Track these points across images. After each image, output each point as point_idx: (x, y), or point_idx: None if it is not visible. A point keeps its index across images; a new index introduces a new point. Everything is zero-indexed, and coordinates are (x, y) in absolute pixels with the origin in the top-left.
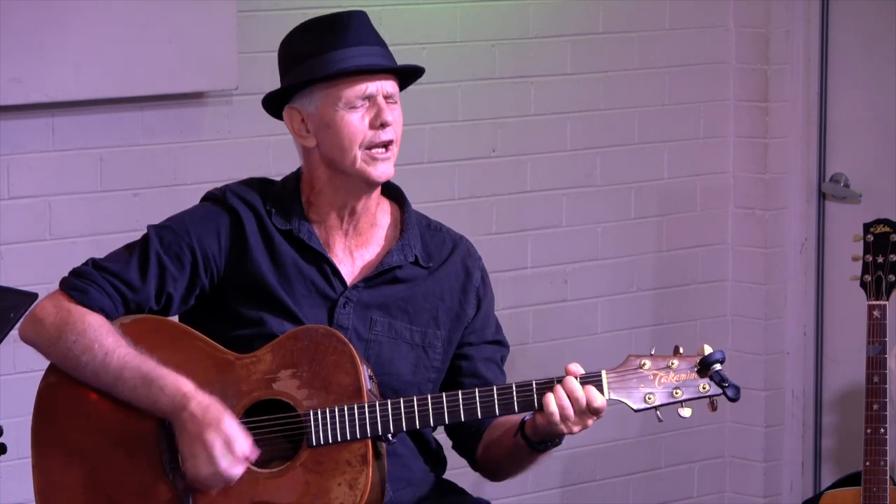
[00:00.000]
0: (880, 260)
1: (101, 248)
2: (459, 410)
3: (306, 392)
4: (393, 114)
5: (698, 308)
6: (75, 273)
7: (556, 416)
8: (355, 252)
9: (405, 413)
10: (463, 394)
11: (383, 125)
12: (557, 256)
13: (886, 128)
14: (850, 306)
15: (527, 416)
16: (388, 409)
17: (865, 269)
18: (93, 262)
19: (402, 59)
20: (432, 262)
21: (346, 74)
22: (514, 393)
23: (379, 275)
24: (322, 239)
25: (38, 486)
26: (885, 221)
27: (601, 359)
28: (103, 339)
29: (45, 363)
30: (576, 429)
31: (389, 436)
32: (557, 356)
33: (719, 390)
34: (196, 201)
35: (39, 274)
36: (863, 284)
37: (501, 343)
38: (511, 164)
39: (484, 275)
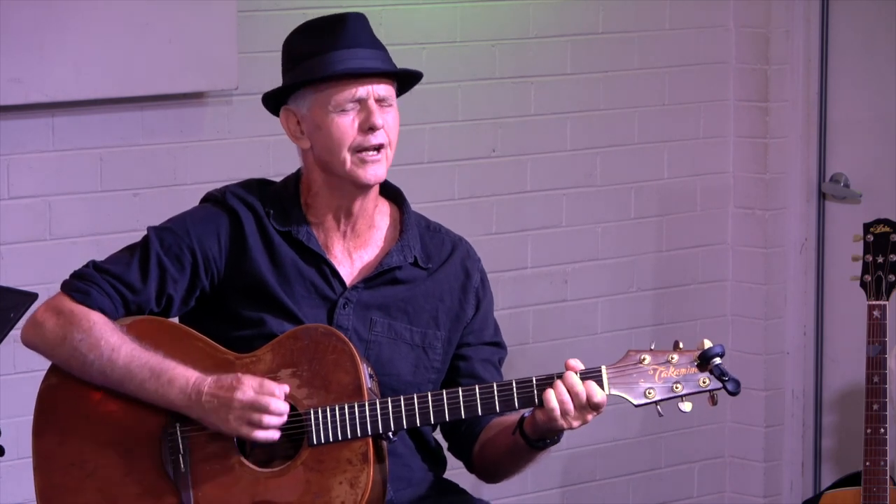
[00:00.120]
0: (880, 260)
1: (101, 248)
2: (460, 407)
3: (306, 391)
4: (385, 117)
5: (698, 308)
6: (76, 275)
7: (557, 412)
8: (354, 253)
9: (405, 411)
10: (463, 391)
11: (372, 129)
12: (557, 256)
13: (886, 128)
14: (850, 306)
15: (526, 412)
16: (388, 407)
17: (865, 269)
18: (93, 264)
19: (401, 59)
20: (431, 264)
21: (337, 77)
22: (515, 389)
23: (378, 275)
24: (321, 240)
25: (40, 488)
26: (885, 221)
27: (601, 359)
28: (109, 336)
29: (46, 363)
30: (576, 423)
31: (390, 434)
32: (557, 356)
33: (719, 384)
34: (196, 201)
35: (39, 274)
36: (863, 284)
37: (499, 345)
38: (511, 164)
39: (483, 276)
